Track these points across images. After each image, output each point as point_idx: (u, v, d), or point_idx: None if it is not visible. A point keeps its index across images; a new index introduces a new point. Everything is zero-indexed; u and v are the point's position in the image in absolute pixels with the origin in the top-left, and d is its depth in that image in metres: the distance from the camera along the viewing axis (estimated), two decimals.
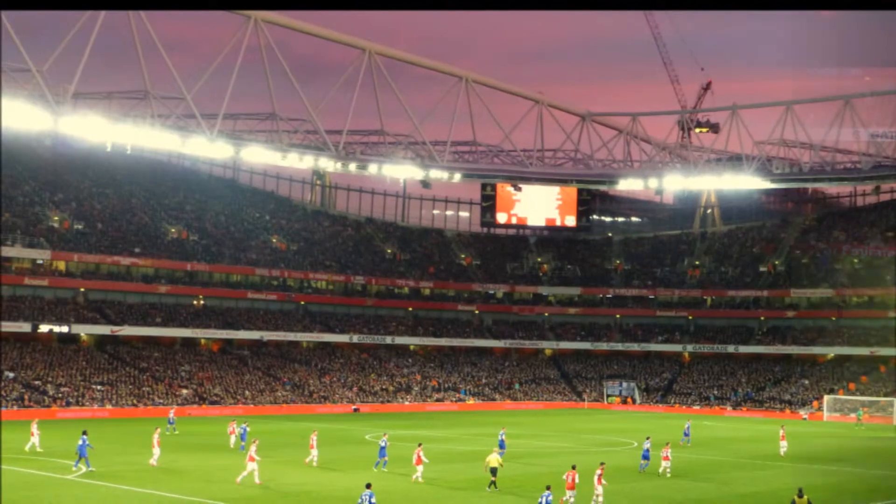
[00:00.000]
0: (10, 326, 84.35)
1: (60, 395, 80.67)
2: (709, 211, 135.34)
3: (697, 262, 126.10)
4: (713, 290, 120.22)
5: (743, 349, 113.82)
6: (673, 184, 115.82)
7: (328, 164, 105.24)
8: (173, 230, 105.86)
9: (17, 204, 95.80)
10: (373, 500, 31.70)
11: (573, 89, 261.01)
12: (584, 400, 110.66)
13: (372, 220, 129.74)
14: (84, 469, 44.01)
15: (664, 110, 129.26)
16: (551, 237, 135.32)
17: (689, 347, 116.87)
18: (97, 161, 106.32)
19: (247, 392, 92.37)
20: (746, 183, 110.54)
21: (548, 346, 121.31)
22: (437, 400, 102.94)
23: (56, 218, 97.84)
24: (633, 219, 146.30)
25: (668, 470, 47.34)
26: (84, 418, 74.09)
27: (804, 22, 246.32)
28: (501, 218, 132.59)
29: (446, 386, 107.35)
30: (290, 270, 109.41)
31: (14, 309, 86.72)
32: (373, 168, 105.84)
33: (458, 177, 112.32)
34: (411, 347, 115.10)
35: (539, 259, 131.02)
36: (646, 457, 48.74)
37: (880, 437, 77.81)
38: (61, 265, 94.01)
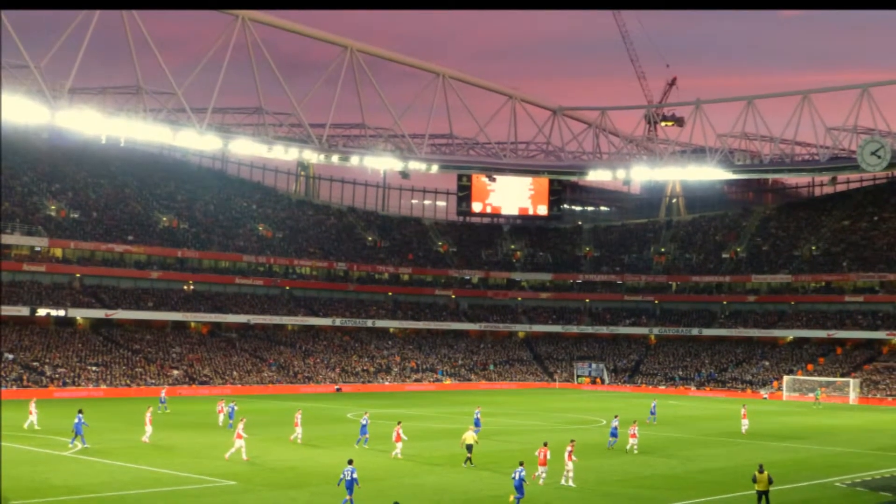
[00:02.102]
0: (9, 310, 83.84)
1: (57, 375, 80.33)
2: (674, 201, 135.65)
3: (663, 250, 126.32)
4: (678, 275, 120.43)
5: (706, 332, 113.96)
6: (640, 175, 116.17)
7: (312, 156, 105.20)
8: (165, 219, 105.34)
9: (16, 194, 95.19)
10: (354, 476, 31.65)
11: (545, 85, 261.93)
12: (555, 380, 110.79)
13: (354, 209, 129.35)
14: (80, 446, 43.85)
15: (631, 105, 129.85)
16: (524, 225, 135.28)
17: (655, 330, 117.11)
18: (92, 153, 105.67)
19: (234, 373, 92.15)
20: (710, 174, 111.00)
21: (521, 329, 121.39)
22: (416, 380, 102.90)
23: (53, 207, 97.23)
24: (602, 208, 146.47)
25: (636, 447, 47.42)
26: (80, 398, 73.68)
27: (765, 21, 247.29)
28: (477, 207, 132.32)
29: (424, 367, 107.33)
30: (275, 257, 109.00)
31: (13, 294, 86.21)
32: (354, 160, 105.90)
33: (435, 168, 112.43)
34: (391, 330, 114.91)
35: (512, 246, 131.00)
36: (614, 434, 48.81)
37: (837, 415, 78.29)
38: (58, 252, 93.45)
